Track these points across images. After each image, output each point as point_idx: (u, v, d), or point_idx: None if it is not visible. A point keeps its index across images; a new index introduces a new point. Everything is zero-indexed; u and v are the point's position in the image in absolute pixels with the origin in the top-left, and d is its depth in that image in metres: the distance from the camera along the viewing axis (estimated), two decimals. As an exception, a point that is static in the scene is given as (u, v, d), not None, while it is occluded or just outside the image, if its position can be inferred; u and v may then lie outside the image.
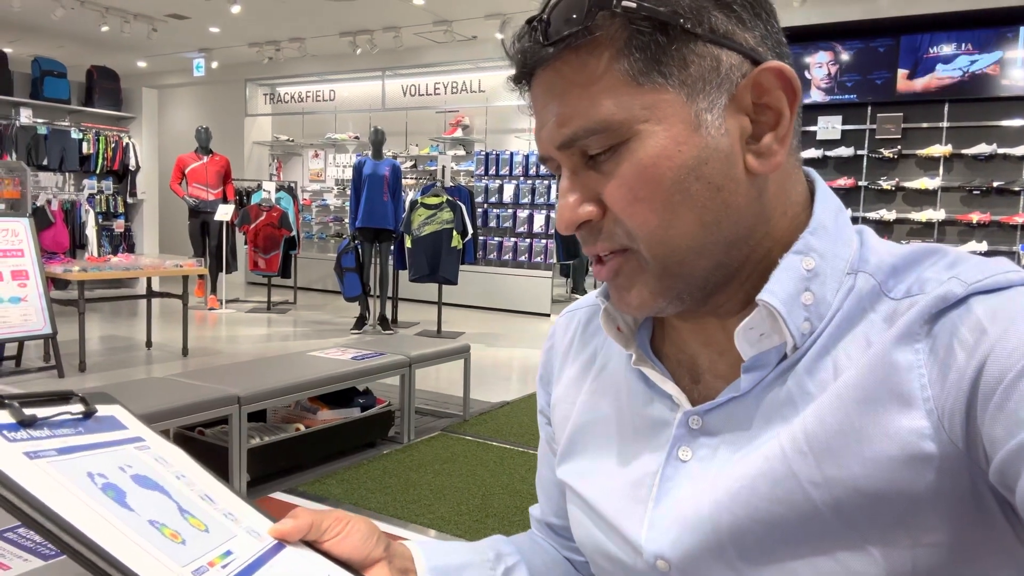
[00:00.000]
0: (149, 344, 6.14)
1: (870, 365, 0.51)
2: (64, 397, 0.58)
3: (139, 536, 0.48)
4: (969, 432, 0.47)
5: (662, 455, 0.60)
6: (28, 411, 0.52)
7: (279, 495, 3.14)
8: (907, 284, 0.53)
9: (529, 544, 0.81)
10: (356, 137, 10.54)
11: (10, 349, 5.31)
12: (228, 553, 0.53)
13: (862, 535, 0.50)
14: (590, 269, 0.65)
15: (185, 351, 5.87)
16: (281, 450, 3.35)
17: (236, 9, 7.87)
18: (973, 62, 6.94)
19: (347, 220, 8.11)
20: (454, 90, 9.83)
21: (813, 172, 0.61)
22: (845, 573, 0.51)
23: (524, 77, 0.56)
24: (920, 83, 7.16)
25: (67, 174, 9.01)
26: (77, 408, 0.58)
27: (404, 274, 7.21)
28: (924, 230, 7.29)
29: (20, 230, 5.09)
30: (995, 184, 6.93)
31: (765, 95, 0.53)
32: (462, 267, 6.97)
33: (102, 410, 0.61)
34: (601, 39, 0.51)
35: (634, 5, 0.50)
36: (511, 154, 9.09)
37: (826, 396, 0.52)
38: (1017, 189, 6.87)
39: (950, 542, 0.49)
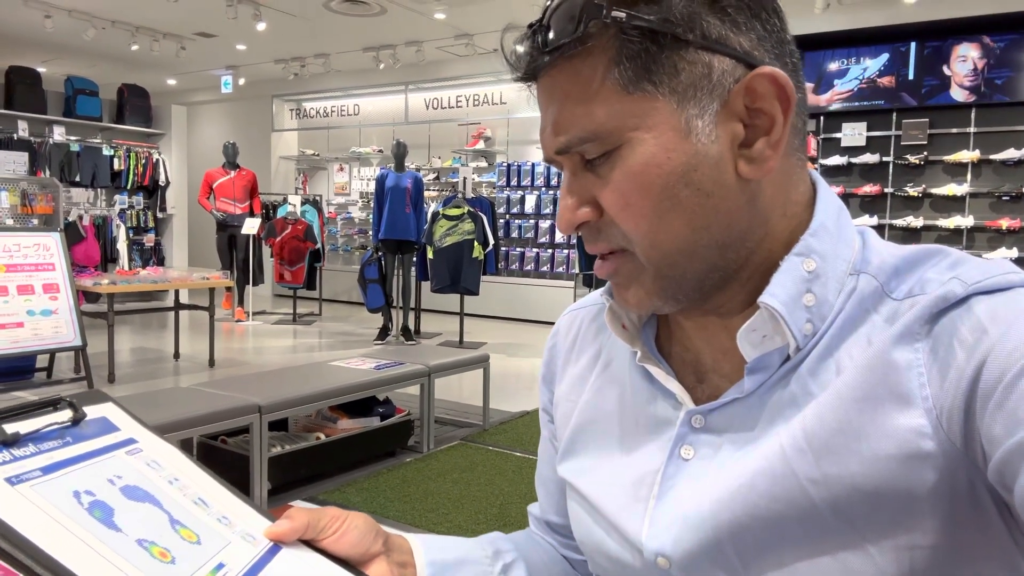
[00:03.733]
0: (177, 356, 6.25)
1: (869, 364, 0.51)
2: (52, 403, 0.55)
3: (126, 562, 0.47)
4: (967, 431, 0.47)
5: (664, 453, 0.60)
6: (11, 427, 0.50)
7: (300, 503, 3.17)
8: (909, 285, 0.53)
9: (527, 542, 0.82)
10: (380, 150, 10.64)
11: (41, 361, 5.44)
12: (220, 567, 0.52)
13: (860, 533, 0.50)
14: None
15: (212, 362, 5.95)
16: (302, 459, 3.39)
17: (262, 27, 8.01)
18: (994, 66, 6.84)
19: (371, 232, 8.18)
20: (476, 103, 9.89)
21: (815, 172, 0.61)
22: (843, 571, 0.51)
23: (527, 80, 0.57)
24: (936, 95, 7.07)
25: (99, 190, 9.20)
26: (65, 415, 0.55)
27: (427, 285, 7.25)
28: (952, 237, 7.16)
29: (51, 244, 5.22)
30: (1025, 189, 6.81)
31: (758, 100, 0.53)
32: (484, 278, 6.99)
33: (93, 411, 0.59)
34: (594, 48, 0.52)
35: (623, 15, 0.50)
36: (532, 165, 9.12)
37: (826, 395, 0.52)
38: (1048, 194, 6.74)
39: (946, 542, 0.49)
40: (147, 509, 0.53)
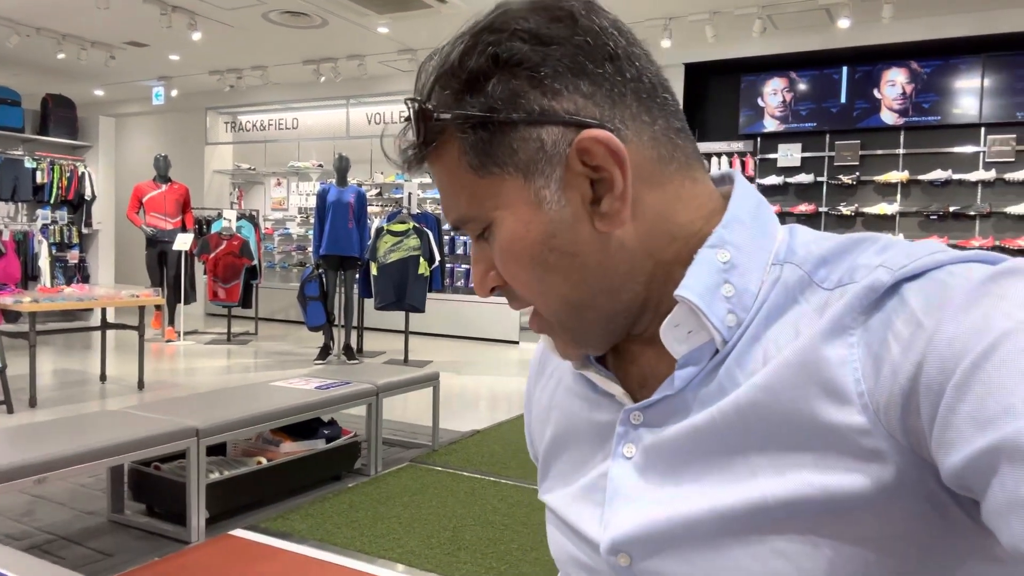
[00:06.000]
0: (103, 378, 5.94)
1: (801, 361, 0.50)
2: None
3: None
4: (908, 427, 0.46)
5: (609, 455, 0.61)
6: None
7: (240, 532, 3.00)
8: (839, 273, 0.52)
9: None
10: (320, 165, 10.46)
11: (-46, 384, 5.08)
12: None
13: (811, 529, 0.50)
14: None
15: (141, 384, 5.68)
16: (242, 485, 3.22)
17: (197, 36, 7.77)
18: (926, 90, 7.15)
19: (310, 249, 7.99)
20: (419, 118, 9.82)
21: (733, 173, 0.61)
22: (793, 569, 0.50)
23: (416, 169, 0.60)
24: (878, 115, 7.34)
25: (20, 204, 8.77)
26: None
27: (369, 302, 7.10)
28: (884, 254, 7.42)
29: (-33, 260, 4.90)
30: (951, 209, 7.10)
31: (595, 159, 0.53)
32: (429, 295, 6.89)
33: None
34: (443, 143, 0.56)
35: (449, 116, 0.54)
36: (477, 182, 9.09)
37: (758, 391, 0.52)
38: (972, 214, 7.05)
39: (902, 535, 0.48)
40: None
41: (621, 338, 0.61)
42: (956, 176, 7.10)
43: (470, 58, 0.53)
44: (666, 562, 0.56)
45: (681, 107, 0.59)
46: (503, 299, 0.61)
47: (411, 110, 0.56)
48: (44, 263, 8.37)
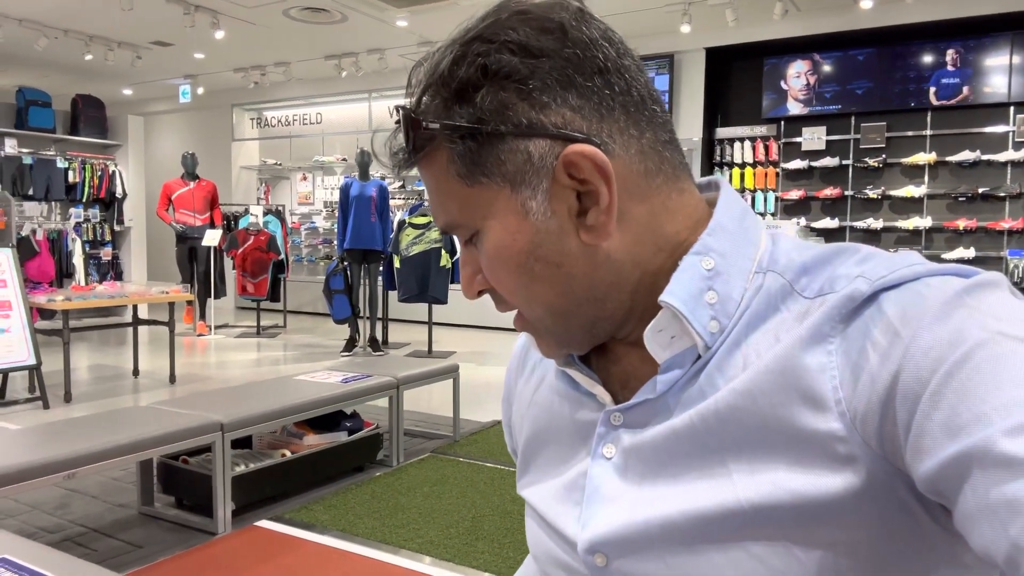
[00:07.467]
0: (136, 372, 6.08)
1: (781, 368, 0.51)
2: None
3: None
4: (885, 434, 0.47)
5: (590, 454, 0.62)
6: None
7: (265, 523, 3.08)
8: (819, 283, 0.53)
9: None
10: (344, 159, 10.54)
11: (-6, 381, 5.25)
12: None
13: (783, 533, 0.50)
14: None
15: (172, 379, 5.81)
16: (267, 477, 3.30)
17: (220, 35, 7.87)
18: (953, 70, 7.00)
19: (336, 242, 8.08)
20: (440, 110, 9.84)
21: (720, 180, 0.62)
22: (766, 571, 0.51)
23: (408, 169, 0.61)
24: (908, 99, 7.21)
25: (53, 203, 8.97)
26: None
27: (394, 295, 7.17)
28: (911, 238, 7.30)
29: (3, 260, 5.05)
30: (980, 190, 6.96)
31: (581, 173, 0.54)
32: (452, 286, 6.94)
33: None
34: (432, 152, 0.56)
35: (437, 125, 0.54)
36: (498, 172, 9.10)
37: (739, 396, 0.53)
38: (1002, 195, 6.91)
39: (873, 541, 0.49)
40: None
41: (604, 340, 0.62)
42: (985, 157, 6.96)
43: (459, 68, 0.54)
44: (642, 563, 0.56)
45: (671, 120, 0.60)
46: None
47: (400, 116, 0.57)
48: (78, 261, 8.56)
